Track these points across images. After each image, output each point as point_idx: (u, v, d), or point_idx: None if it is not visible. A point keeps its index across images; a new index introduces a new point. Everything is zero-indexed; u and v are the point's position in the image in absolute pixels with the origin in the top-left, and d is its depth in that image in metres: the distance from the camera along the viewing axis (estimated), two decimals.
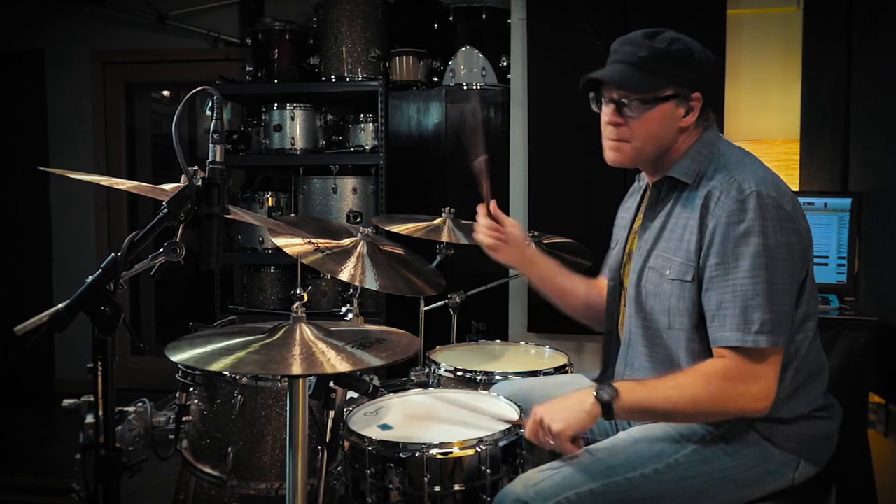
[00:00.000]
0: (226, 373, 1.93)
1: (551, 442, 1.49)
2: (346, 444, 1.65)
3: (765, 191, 1.43)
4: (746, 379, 1.41)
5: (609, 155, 1.60)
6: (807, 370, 1.53)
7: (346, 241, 2.17)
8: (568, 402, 1.50)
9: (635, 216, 1.75)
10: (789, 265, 1.43)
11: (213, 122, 1.29)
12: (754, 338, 1.40)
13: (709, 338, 1.47)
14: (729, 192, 1.45)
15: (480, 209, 1.84)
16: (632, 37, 1.55)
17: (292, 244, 2.03)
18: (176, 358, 1.30)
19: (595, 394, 1.46)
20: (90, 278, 1.23)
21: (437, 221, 2.57)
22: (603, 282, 1.89)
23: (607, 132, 1.58)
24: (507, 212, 3.48)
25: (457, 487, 1.54)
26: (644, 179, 1.76)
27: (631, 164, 1.61)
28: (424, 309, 2.59)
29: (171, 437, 1.91)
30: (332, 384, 1.51)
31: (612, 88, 1.55)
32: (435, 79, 3.81)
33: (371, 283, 2.06)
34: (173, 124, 1.32)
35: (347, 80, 3.76)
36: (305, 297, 1.41)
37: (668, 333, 1.54)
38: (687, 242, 1.50)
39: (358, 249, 2.14)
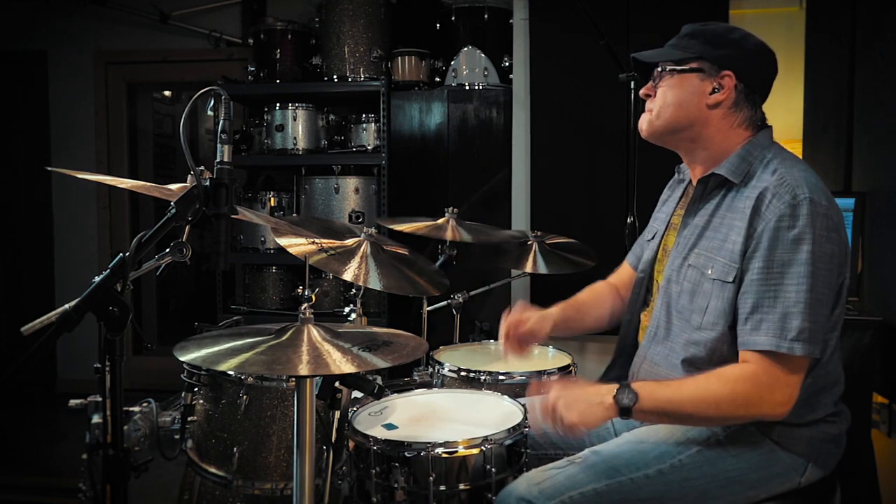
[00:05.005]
0: (231, 372, 1.93)
1: (558, 428, 1.47)
2: (351, 443, 1.65)
3: (817, 198, 1.42)
4: (772, 385, 1.40)
5: (640, 126, 1.64)
6: (823, 381, 1.52)
7: (349, 241, 2.17)
8: (587, 395, 1.47)
9: (674, 211, 1.73)
10: (830, 276, 1.42)
11: (221, 122, 1.29)
12: (790, 344, 1.38)
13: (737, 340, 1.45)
14: (782, 197, 1.42)
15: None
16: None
17: (296, 244, 2.03)
18: (184, 358, 1.30)
19: (615, 395, 1.44)
20: (98, 278, 1.23)
21: (440, 221, 2.57)
22: (620, 278, 1.92)
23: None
24: (509, 213, 3.53)
25: (462, 487, 1.54)
26: (685, 172, 1.75)
27: (654, 135, 1.61)
28: (427, 309, 2.59)
29: (177, 437, 1.92)
30: (337, 384, 1.52)
31: (642, 65, 1.63)
32: (437, 79, 3.82)
33: (375, 283, 2.05)
34: (180, 125, 1.32)
35: (349, 80, 3.77)
36: (314, 298, 1.41)
37: (696, 334, 1.52)
38: (732, 243, 1.48)
39: (362, 249, 2.14)
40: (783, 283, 1.40)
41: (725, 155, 1.56)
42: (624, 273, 1.95)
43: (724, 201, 1.55)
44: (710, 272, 1.51)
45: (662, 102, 1.58)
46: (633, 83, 2.69)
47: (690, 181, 1.70)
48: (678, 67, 1.56)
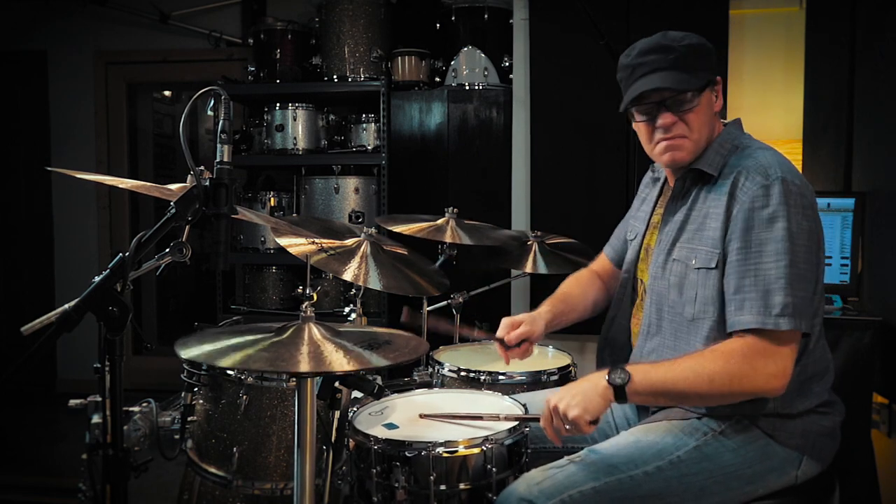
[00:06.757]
0: (231, 372, 1.93)
1: (567, 427, 1.48)
2: (352, 443, 1.65)
3: (790, 178, 1.46)
4: (766, 356, 1.42)
5: (667, 157, 1.59)
6: (813, 368, 1.54)
7: (349, 241, 2.17)
8: (581, 386, 1.50)
9: (653, 210, 1.76)
10: (810, 252, 1.45)
11: (221, 122, 1.30)
12: (775, 320, 1.41)
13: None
14: (754, 178, 1.47)
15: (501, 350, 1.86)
16: (651, 45, 1.56)
17: (296, 244, 2.03)
18: (185, 355, 1.29)
19: (607, 377, 1.46)
20: (98, 278, 1.24)
21: (440, 221, 2.57)
22: (602, 265, 2.00)
23: (660, 135, 1.58)
24: (509, 213, 3.53)
25: (462, 486, 1.54)
26: (659, 171, 1.78)
27: (691, 158, 1.59)
28: (427, 309, 2.58)
29: (177, 437, 1.92)
30: (337, 384, 1.52)
31: (661, 94, 1.54)
32: (437, 79, 3.81)
33: (375, 284, 2.06)
34: (180, 125, 1.32)
35: (349, 80, 3.77)
36: (315, 297, 1.41)
37: (691, 325, 1.55)
38: (712, 230, 1.52)
39: (362, 249, 2.14)
40: (762, 262, 1.43)
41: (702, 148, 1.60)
42: (604, 261, 2.01)
43: (701, 193, 1.59)
44: (693, 262, 1.55)
45: (698, 125, 1.56)
46: None
47: (666, 179, 1.73)
48: (699, 87, 1.54)
